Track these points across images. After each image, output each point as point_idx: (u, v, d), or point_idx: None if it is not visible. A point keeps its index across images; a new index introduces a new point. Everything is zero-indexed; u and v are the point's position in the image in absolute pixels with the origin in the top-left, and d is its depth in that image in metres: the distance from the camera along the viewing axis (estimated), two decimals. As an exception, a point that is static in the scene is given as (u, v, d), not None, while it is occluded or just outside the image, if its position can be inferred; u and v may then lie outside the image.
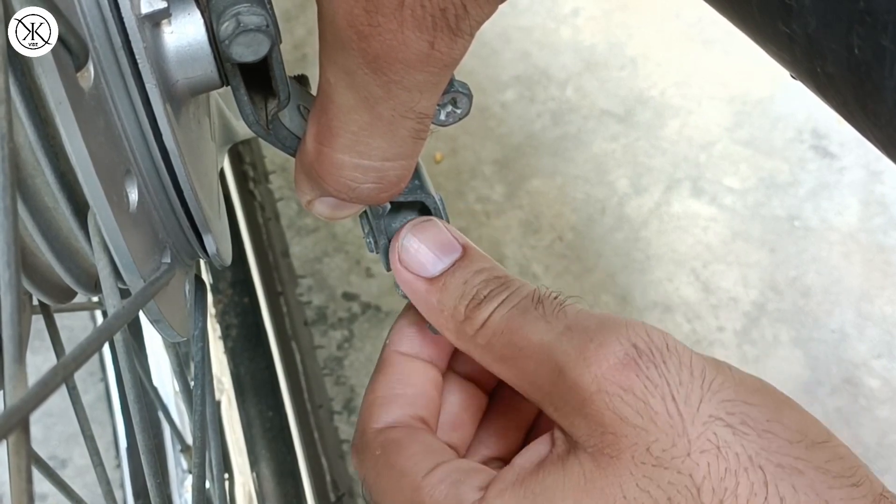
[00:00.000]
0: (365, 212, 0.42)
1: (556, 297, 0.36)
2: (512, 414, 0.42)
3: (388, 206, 0.41)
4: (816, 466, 0.30)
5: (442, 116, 0.38)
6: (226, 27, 0.31)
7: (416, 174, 0.41)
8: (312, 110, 0.35)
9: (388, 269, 0.43)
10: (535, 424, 0.42)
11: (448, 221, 0.42)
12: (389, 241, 0.42)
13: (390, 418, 0.38)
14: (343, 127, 0.33)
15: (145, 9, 0.31)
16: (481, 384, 0.43)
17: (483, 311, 0.36)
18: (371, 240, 0.42)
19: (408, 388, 0.39)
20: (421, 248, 0.39)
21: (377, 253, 0.42)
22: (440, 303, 0.38)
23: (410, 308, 0.41)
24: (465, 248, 0.39)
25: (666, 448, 0.31)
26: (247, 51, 0.31)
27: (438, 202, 0.42)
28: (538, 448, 0.35)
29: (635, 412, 0.31)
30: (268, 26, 0.31)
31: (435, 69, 0.31)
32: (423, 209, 0.42)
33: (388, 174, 0.35)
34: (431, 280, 0.38)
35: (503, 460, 0.41)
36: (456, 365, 0.43)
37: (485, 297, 0.36)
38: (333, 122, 0.33)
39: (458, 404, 0.42)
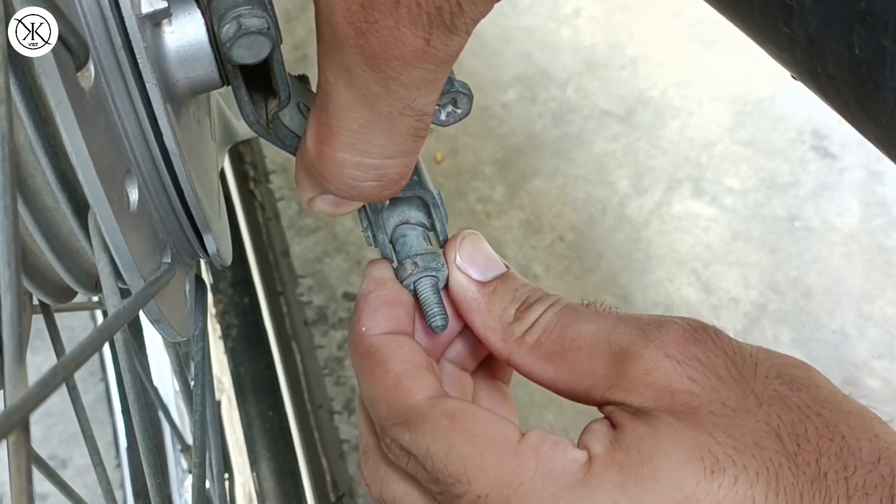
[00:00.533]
0: (364, 206, 0.42)
1: (602, 303, 0.38)
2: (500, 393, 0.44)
3: (388, 201, 0.42)
4: (858, 410, 0.34)
5: (442, 116, 0.38)
6: (227, 29, 0.31)
7: (415, 170, 0.41)
8: (312, 109, 0.35)
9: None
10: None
11: (446, 216, 0.43)
12: (387, 235, 0.42)
13: (430, 389, 0.37)
14: (343, 125, 0.33)
15: (146, 8, 0.31)
16: (465, 366, 0.44)
17: (534, 311, 0.38)
18: (370, 234, 0.43)
19: (419, 359, 0.39)
20: (475, 255, 0.41)
21: (375, 246, 0.43)
22: (490, 304, 0.40)
23: (373, 292, 0.41)
24: (507, 268, 0.41)
25: (738, 402, 0.33)
26: (248, 53, 0.31)
27: (437, 197, 0.42)
28: (597, 427, 0.35)
29: (704, 375, 0.34)
30: (269, 29, 0.31)
31: (431, 66, 0.31)
32: (422, 204, 0.42)
33: (390, 172, 0.35)
34: (482, 283, 0.40)
35: None
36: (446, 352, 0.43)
37: (535, 301, 0.39)
38: (333, 120, 0.33)
39: (452, 390, 0.43)
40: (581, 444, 0.34)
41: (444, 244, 0.43)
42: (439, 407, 0.36)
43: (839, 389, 0.35)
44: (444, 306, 0.41)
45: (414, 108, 0.32)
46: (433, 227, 0.43)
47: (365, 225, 0.43)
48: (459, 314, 0.41)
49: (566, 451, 0.34)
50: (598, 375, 0.36)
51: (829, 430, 0.32)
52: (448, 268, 0.41)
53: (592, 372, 0.36)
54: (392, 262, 0.43)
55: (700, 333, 0.35)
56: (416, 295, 0.42)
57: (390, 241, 0.42)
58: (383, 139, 0.33)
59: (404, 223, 0.43)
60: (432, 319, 0.40)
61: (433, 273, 0.41)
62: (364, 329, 0.40)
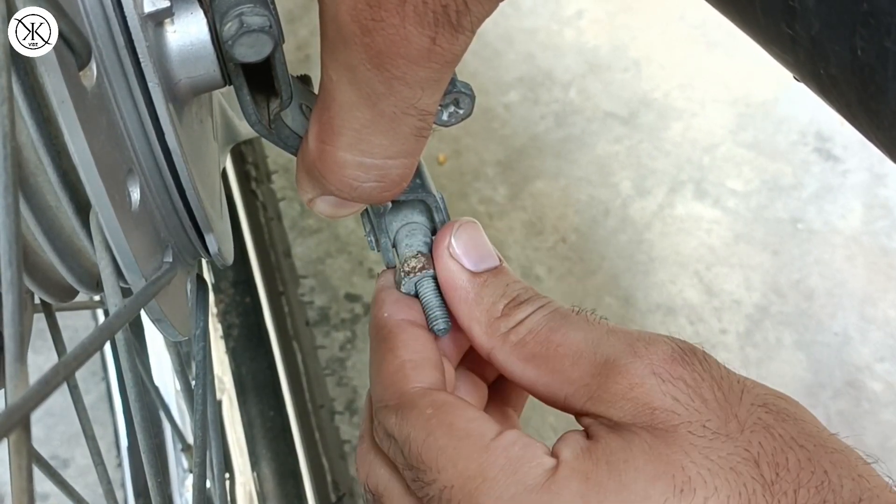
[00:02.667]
0: (366, 211, 0.42)
1: (592, 312, 0.38)
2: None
3: (390, 204, 0.41)
4: (842, 448, 0.33)
5: (444, 117, 0.38)
6: (229, 28, 0.31)
7: (418, 172, 0.41)
8: (314, 109, 0.35)
9: (389, 267, 0.43)
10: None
11: (448, 217, 0.42)
12: (390, 239, 0.42)
13: (428, 381, 0.38)
14: (345, 125, 0.33)
15: (148, 8, 0.31)
16: (484, 376, 0.44)
17: (522, 310, 0.38)
18: (372, 238, 0.42)
19: (428, 353, 0.40)
20: (470, 244, 0.40)
21: (378, 251, 0.42)
22: (479, 296, 0.39)
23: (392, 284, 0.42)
24: (501, 261, 0.40)
25: (720, 426, 0.33)
26: (250, 51, 0.31)
27: (440, 201, 0.42)
28: (572, 437, 0.35)
29: (688, 396, 0.33)
30: (271, 27, 0.31)
31: (436, 65, 0.31)
32: (425, 207, 0.42)
33: (391, 172, 0.35)
34: (474, 274, 0.40)
35: None
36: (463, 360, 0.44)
37: (525, 300, 0.38)
38: (335, 119, 0.33)
39: (465, 394, 0.43)
40: (553, 451, 0.34)
41: None
42: (429, 397, 0.37)
43: (825, 427, 0.34)
44: (446, 309, 0.41)
45: (418, 107, 0.32)
46: (436, 231, 0.43)
47: (368, 229, 0.43)
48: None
49: (535, 454, 0.34)
50: (580, 384, 0.36)
51: (811, 463, 0.32)
52: (439, 253, 0.40)
53: (574, 380, 0.36)
54: (395, 265, 0.42)
55: (688, 355, 0.35)
56: (417, 296, 0.41)
57: (393, 245, 0.42)
58: (385, 139, 0.33)
59: (407, 227, 0.42)
60: (434, 322, 0.40)
61: (435, 275, 0.41)
62: (386, 315, 0.41)
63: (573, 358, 0.36)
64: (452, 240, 0.40)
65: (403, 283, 0.41)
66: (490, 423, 0.35)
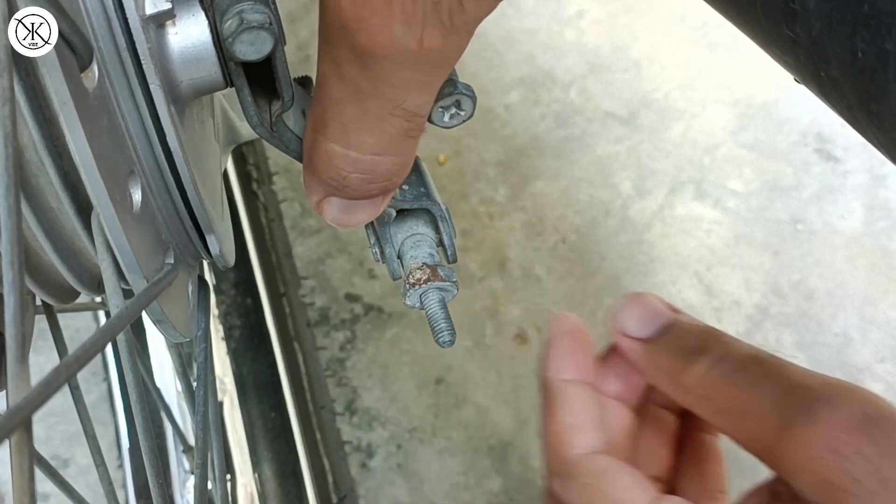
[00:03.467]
0: (371, 222, 0.42)
1: (773, 356, 0.39)
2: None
3: (394, 213, 0.41)
4: None
5: (445, 118, 0.38)
6: (229, 25, 0.31)
7: (422, 181, 0.41)
8: (313, 99, 0.34)
9: (395, 279, 0.42)
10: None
11: (454, 231, 0.42)
12: (395, 249, 0.42)
13: (588, 445, 0.40)
14: (333, 118, 0.32)
15: (150, 9, 0.31)
16: (672, 409, 0.46)
17: (701, 364, 0.39)
18: (377, 249, 0.42)
19: (588, 413, 0.41)
20: (634, 316, 0.43)
21: (383, 262, 0.42)
22: (657, 360, 0.42)
23: (563, 336, 0.44)
24: (674, 313, 0.43)
25: None
26: (250, 49, 0.31)
27: (444, 210, 0.41)
28: (759, 498, 0.37)
29: (868, 475, 0.33)
30: (270, 24, 0.31)
31: (424, 68, 0.30)
32: (430, 218, 0.42)
33: (378, 167, 0.34)
34: (646, 341, 0.42)
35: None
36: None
37: (701, 350, 0.40)
38: (326, 112, 0.33)
39: (650, 433, 0.45)
40: None
41: (452, 259, 0.42)
42: (589, 465, 0.39)
43: None
44: (451, 321, 0.40)
45: (405, 108, 0.31)
46: (441, 243, 0.42)
47: (373, 241, 0.42)
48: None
49: None
50: (765, 445, 0.36)
51: None
52: (615, 334, 0.43)
53: (760, 439, 0.37)
54: (400, 277, 0.42)
55: (874, 422, 0.34)
56: (423, 309, 0.41)
57: (398, 256, 0.42)
58: (371, 137, 0.32)
59: (412, 238, 0.42)
60: (440, 335, 0.40)
61: (440, 287, 0.40)
62: (548, 374, 0.43)
63: (756, 419, 0.37)
64: (620, 317, 0.43)
65: (408, 295, 0.41)
66: (645, 492, 0.37)
